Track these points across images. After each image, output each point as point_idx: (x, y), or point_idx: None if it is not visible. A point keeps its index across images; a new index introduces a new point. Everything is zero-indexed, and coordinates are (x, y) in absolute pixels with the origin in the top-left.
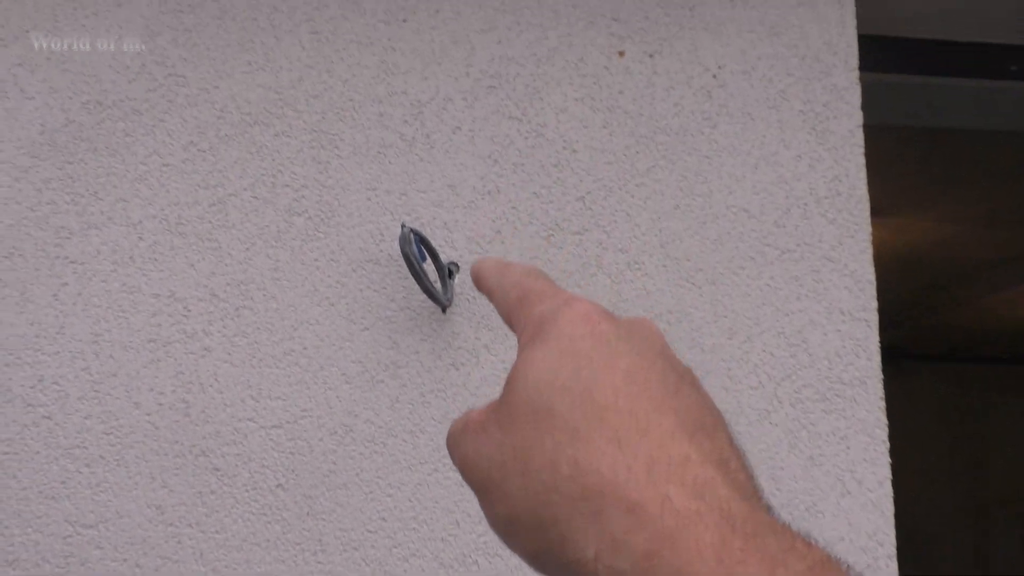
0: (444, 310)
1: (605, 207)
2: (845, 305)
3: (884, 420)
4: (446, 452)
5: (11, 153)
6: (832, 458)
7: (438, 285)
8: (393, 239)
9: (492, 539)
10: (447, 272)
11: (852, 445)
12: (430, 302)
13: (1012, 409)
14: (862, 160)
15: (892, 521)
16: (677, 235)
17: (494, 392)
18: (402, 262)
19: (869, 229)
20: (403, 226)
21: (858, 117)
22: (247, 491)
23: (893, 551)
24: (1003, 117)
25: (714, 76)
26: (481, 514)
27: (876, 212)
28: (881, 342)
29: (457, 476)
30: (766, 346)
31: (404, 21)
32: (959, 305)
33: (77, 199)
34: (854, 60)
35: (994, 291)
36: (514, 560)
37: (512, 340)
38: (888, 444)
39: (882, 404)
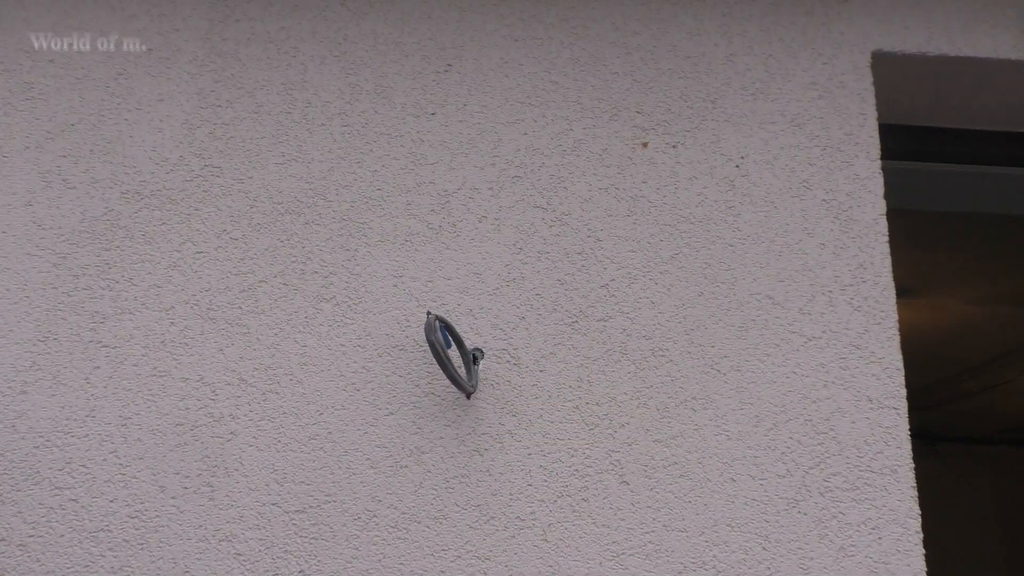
0: (468, 396)
1: (629, 294)
2: (873, 393)
3: (917, 510)
4: (469, 539)
5: (52, 240)
6: (864, 549)
7: (462, 371)
8: (419, 325)
9: None
10: (472, 358)
11: (884, 536)
12: (454, 388)
13: None
14: (887, 248)
15: None
16: (701, 322)
17: (518, 478)
18: (427, 348)
19: (895, 316)
20: (428, 313)
21: (881, 206)
22: None
23: None
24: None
25: (737, 166)
26: None
27: (904, 293)
28: (914, 425)
29: (481, 564)
30: (793, 434)
31: (432, 114)
32: (991, 388)
33: (112, 285)
34: (876, 150)
35: None
36: None
37: (536, 426)
38: (922, 535)
39: (914, 493)
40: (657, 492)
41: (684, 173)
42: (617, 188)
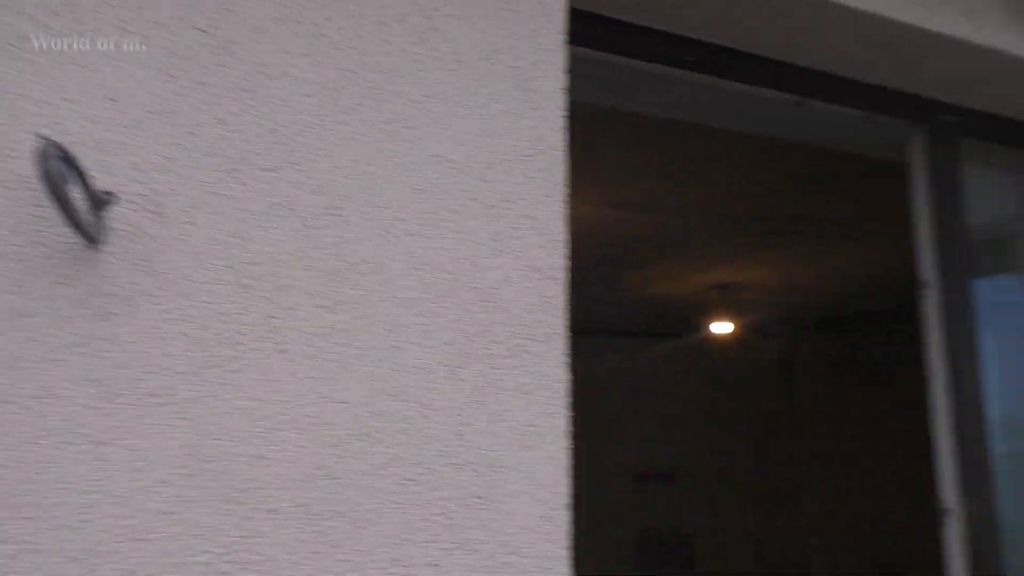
0: (93, 244)
1: (301, 143)
2: (539, 263)
3: (566, 375)
4: (83, 421)
5: None
6: (517, 413)
7: (86, 216)
8: (26, 155)
9: (137, 523)
10: (99, 201)
11: (535, 400)
12: (73, 235)
13: (624, 375)
14: (562, 122)
15: (567, 473)
16: (379, 180)
17: (154, 347)
18: (37, 183)
19: (564, 189)
20: (42, 138)
21: (562, 79)
22: None
23: (568, 501)
24: (674, 106)
25: (428, 17)
26: (128, 495)
27: None
28: None
29: (96, 449)
30: (462, 302)
31: None
32: (602, 282)
33: None
34: (562, 22)
35: (631, 270)
36: (161, 545)
37: (179, 287)
38: (568, 398)
39: (566, 360)
40: (319, 361)
41: (372, 16)
42: (296, 21)
